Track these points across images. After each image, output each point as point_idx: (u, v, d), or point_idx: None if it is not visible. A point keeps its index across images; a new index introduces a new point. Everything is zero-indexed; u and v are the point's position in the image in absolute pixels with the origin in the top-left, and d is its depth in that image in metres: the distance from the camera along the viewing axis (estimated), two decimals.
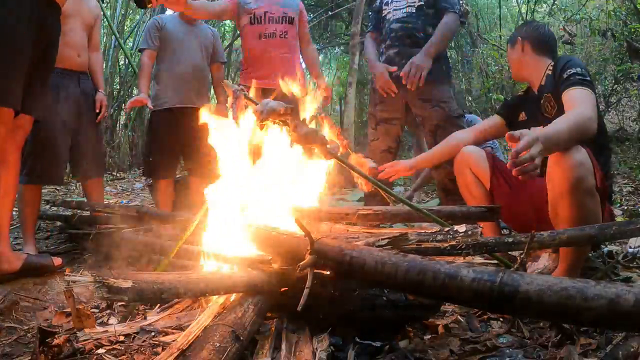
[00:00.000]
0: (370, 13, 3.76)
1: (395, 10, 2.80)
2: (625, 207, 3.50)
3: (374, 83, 2.86)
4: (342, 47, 11.93)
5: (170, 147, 2.95)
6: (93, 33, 2.64)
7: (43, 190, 5.53)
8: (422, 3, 2.71)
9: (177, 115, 2.92)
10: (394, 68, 2.70)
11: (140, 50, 2.97)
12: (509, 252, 1.70)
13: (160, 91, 2.94)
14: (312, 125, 1.59)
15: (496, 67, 6.68)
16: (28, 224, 2.32)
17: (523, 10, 7.16)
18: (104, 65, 7.42)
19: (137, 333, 1.33)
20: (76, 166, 2.66)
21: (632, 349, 1.06)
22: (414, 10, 2.73)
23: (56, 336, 1.25)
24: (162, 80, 2.97)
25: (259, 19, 2.85)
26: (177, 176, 3.23)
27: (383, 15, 2.89)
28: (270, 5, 2.87)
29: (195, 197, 2.92)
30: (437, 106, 2.64)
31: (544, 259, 1.73)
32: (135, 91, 8.70)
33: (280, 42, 2.87)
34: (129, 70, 7.69)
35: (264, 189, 1.65)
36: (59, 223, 2.96)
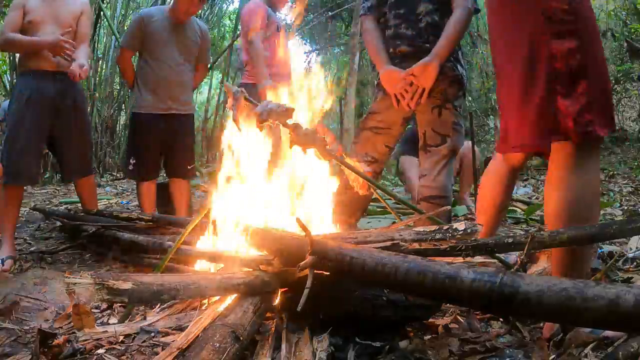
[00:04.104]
0: None
1: None
2: (625, 207, 3.50)
3: None
4: (342, 47, 11.94)
5: (151, 148, 2.84)
6: (79, 27, 2.54)
7: (44, 190, 5.50)
8: None
9: (157, 119, 2.81)
10: None
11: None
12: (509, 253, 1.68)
13: (141, 92, 2.82)
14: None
15: None
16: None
17: None
18: (104, 65, 7.41)
19: (137, 333, 1.33)
20: (61, 167, 2.67)
21: (632, 349, 1.06)
22: None
23: (56, 337, 1.25)
24: (144, 82, 2.83)
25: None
26: (161, 181, 3.13)
27: None
28: None
29: (177, 198, 2.89)
30: None
31: (544, 261, 1.73)
32: None
33: None
34: None
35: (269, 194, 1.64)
36: (58, 223, 2.96)
